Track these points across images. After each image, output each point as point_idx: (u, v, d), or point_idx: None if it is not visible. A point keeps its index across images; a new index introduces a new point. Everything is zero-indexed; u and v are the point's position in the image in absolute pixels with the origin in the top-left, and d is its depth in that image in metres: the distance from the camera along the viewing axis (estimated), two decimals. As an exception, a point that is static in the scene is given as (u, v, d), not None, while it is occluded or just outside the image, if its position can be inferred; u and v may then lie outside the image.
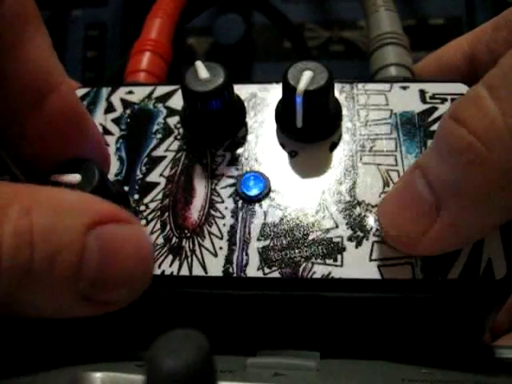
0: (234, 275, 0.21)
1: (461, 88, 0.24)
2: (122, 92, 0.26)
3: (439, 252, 0.19)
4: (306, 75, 0.21)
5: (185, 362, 0.12)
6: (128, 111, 0.25)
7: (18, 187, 0.17)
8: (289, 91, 0.22)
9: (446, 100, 0.24)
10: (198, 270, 0.21)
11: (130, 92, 0.26)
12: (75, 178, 0.20)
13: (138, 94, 0.26)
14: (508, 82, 0.17)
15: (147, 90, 0.26)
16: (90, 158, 0.21)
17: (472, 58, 0.26)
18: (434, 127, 0.23)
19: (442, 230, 0.19)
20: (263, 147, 0.24)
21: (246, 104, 0.25)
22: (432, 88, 0.24)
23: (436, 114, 0.23)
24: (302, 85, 0.21)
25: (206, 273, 0.21)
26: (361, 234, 0.21)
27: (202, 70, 0.22)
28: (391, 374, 0.20)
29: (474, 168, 0.17)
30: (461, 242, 0.19)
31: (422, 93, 0.24)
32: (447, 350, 0.22)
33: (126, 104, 0.25)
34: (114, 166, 0.24)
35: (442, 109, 0.23)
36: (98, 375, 0.16)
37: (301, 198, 0.22)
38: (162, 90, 0.26)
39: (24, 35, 0.19)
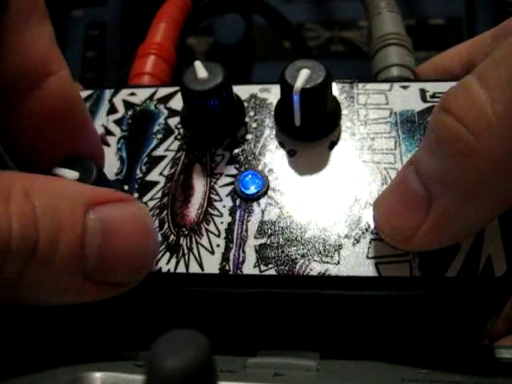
0: (231, 272, 0.21)
1: None
2: (124, 94, 0.26)
3: (434, 247, 0.19)
4: (303, 73, 0.21)
5: (185, 362, 0.12)
6: (130, 112, 0.25)
7: (14, 174, 0.18)
8: (286, 89, 0.22)
9: None
10: (194, 268, 0.21)
11: (133, 94, 0.26)
12: (73, 174, 0.20)
13: (140, 95, 0.26)
14: (499, 72, 0.17)
15: (149, 91, 0.26)
16: (87, 155, 0.21)
17: (469, 67, 0.26)
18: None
19: (434, 224, 0.18)
20: (262, 146, 0.24)
21: (245, 104, 0.25)
22: (433, 87, 0.24)
23: None
24: (299, 83, 0.21)
25: (203, 270, 0.21)
26: (358, 232, 0.21)
27: (200, 69, 0.22)
28: (391, 374, 0.20)
29: (463, 158, 0.17)
30: (455, 236, 0.19)
31: (423, 92, 0.24)
32: (447, 350, 0.22)
33: (128, 105, 0.26)
34: (115, 166, 0.24)
35: None
36: (98, 375, 0.16)
37: (299, 196, 0.22)
38: (163, 91, 0.26)
39: (26, 22, 0.19)
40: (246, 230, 0.21)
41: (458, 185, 0.17)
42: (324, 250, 0.21)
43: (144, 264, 0.19)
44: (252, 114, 0.25)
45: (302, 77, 0.21)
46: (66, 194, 0.17)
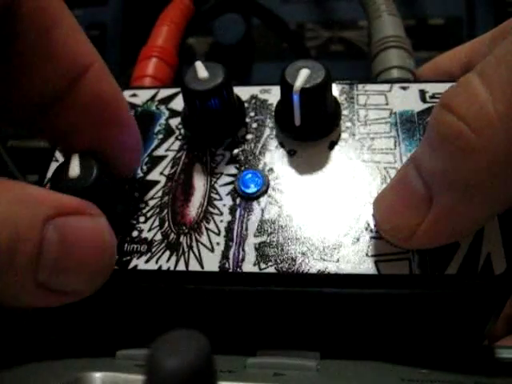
0: (230, 270, 0.21)
1: None
2: (126, 95, 0.26)
3: (434, 245, 0.19)
4: (303, 73, 0.21)
5: (185, 361, 0.12)
6: (131, 113, 0.25)
7: None
8: (286, 89, 0.22)
9: None
10: (194, 266, 0.21)
11: (134, 95, 0.26)
12: (74, 171, 0.20)
13: (142, 96, 0.26)
14: (501, 70, 0.16)
15: (150, 92, 0.26)
16: (123, 152, 0.21)
17: (469, 68, 0.26)
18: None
19: (434, 222, 0.18)
20: (262, 146, 0.24)
21: (246, 105, 0.25)
22: (432, 88, 0.24)
23: None
24: (299, 83, 0.21)
25: (203, 268, 0.21)
26: (358, 230, 0.21)
27: (201, 69, 0.22)
28: (391, 374, 0.20)
29: (463, 156, 0.17)
30: (455, 234, 0.19)
31: (422, 92, 0.24)
32: (447, 349, 0.22)
33: (129, 106, 0.26)
34: None
35: None
36: (98, 375, 0.16)
37: (299, 195, 0.22)
38: (164, 92, 0.26)
39: (51, 19, 0.19)
40: (246, 229, 0.21)
41: (458, 183, 0.17)
42: (324, 249, 0.21)
43: (97, 277, 0.19)
44: (252, 114, 0.25)
45: (302, 76, 0.21)
46: (27, 202, 0.17)
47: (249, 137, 0.24)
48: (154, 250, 0.22)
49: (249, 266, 0.21)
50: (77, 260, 0.18)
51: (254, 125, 0.24)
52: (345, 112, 0.24)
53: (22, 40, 0.19)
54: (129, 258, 0.21)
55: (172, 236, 0.22)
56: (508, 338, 0.26)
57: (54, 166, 0.24)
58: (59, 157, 0.24)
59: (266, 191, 0.22)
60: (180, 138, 0.25)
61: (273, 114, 0.24)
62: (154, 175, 0.24)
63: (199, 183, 0.23)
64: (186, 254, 0.21)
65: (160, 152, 0.24)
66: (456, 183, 0.17)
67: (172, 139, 0.25)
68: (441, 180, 0.18)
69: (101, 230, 0.19)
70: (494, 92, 0.16)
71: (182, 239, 0.22)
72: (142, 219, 0.22)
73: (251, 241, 0.21)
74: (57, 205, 0.18)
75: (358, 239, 0.21)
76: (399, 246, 0.20)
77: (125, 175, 0.23)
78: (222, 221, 0.22)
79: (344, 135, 0.23)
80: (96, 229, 0.19)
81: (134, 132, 0.22)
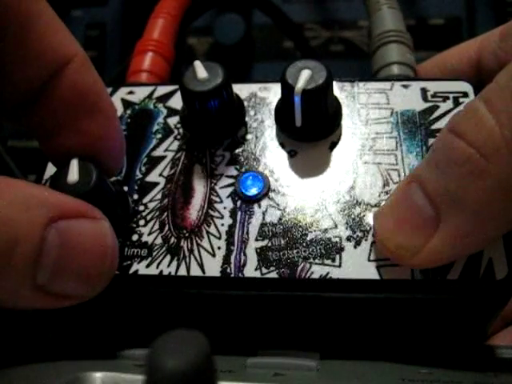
0: (232, 275, 0.20)
1: (463, 86, 0.24)
2: (122, 92, 0.26)
3: (438, 264, 0.19)
4: (304, 74, 0.21)
5: (185, 361, 0.12)
6: (128, 111, 0.25)
7: None
8: (287, 90, 0.22)
9: (448, 98, 0.24)
10: (195, 270, 0.21)
11: (131, 92, 0.26)
12: (73, 176, 0.20)
13: (139, 94, 0.26)
14: (504, 96, 0.17)
15: (148, 90, 0.26)
16: (105, 148, 0.21)
17: (478, 65, 0.26)
18: (436, 126, 0.23)
19: (441, 243, 0.19)
20: (263, 147, 0.24)
21: (245, 103, 0.25)
22: (434, 86, 0.24)
23: (437, 113, 0.23)
24: (300, 84, 0.21)
25: (204, 273, 0.21)
26: (360, 234, 0.21)
27: (200, 69, 0.22)
28: (391, 374, 0.20)
29: (473, 179, 0.18)
30: (460, 253, 0.19)
31: (424, 91, 0.24)
32: (447, 350, 0.22)
33: (126, 104, 0.26)
34: None
35: (444, 107, 0.23)
36: (98, 375, 0.16)
37: (300, 197, 0.22)
38: (162, 90, 0.26)
39: (29, 12, 0.19)
40: (247, 233, 0.21)
41: (468, 204, 0.18)
42: (325, 253, 0.21)
43: (98, 282, 0.19)
44: (252, 113, 0.24)
45: (303, 77, 0.21)
46: (27, 204, 0.17)
47: (249, 137, 0.24)
48: (154, 254, 0.21)
49: (250, 271, 0.21)
50: (77, 264, 0.18)
51: (254, 124, 0.24)
52: (346, 111, 0.24)
53: (0, 34, 0.19)
54: (129, 262, 0.21)
55: (172, 240, 0.22)
56: (501, 333, 0.26)
57: (50, 166, 0.24)
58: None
59: (266, 194, 0.22)
60: (179, 137, 0.24)
61: (272, 112, 0.24)
62: (153, 176, 0.23)
63: (199, 185, 0.23)
64: (187, 259, 0.21)
65: (159, 152, 0.24)
66: (466, 205, 0.18)
67: (171, 139, 0.24)
68: (450, 201, 0.18)
69: (103, 235, 0.19)
70: (499, 119, 0.17)
71: (183, 243, 0.21)
72: (141, 222, 0.22)
73: (253, 245, 0.21)
74: (59, 207, 0.18)
75: (359, 243, 0.21)
76: (402, 264, 0.20)
77: (108, 175, 0.22)
78: (222, 224, 0.22)
79: (345, 135, 0.23)
80: (98, 233, 0.19)
81: (116, 125, 0.22)
